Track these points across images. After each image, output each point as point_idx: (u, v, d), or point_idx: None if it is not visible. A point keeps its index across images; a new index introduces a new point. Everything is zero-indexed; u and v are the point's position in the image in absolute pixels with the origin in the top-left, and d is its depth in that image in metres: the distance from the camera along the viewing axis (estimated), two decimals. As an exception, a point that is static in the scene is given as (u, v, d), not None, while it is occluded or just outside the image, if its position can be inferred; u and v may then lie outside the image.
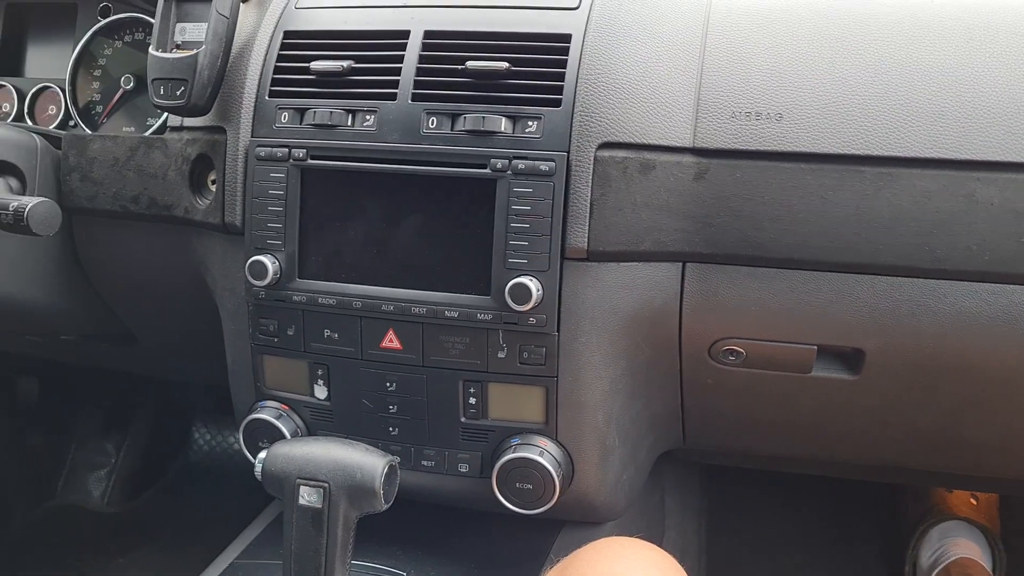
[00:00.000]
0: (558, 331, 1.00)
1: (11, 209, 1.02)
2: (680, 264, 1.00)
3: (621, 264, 0.99)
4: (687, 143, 0.97)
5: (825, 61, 0.97)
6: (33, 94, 1.34)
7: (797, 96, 0.97)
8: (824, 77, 0.97)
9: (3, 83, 1.34)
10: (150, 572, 1.86)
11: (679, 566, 0.90)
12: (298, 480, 0.88)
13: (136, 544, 1.92)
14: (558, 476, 1.02)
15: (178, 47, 1.07)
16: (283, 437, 1.08)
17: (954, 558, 1.57)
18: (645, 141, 0.97)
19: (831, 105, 0.95)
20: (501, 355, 1.01)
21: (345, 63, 1.03)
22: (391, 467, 0.89)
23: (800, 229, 0.96)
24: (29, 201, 1.02)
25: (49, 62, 1.38)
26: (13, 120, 1.34)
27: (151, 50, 1.06)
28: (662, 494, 1.52)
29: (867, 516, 1.82)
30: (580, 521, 1.17)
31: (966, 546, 1.60)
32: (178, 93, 1.05)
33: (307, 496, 0.89)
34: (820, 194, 0.95)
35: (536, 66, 1.00)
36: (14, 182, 1.13)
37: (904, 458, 1.25)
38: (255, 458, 1.09)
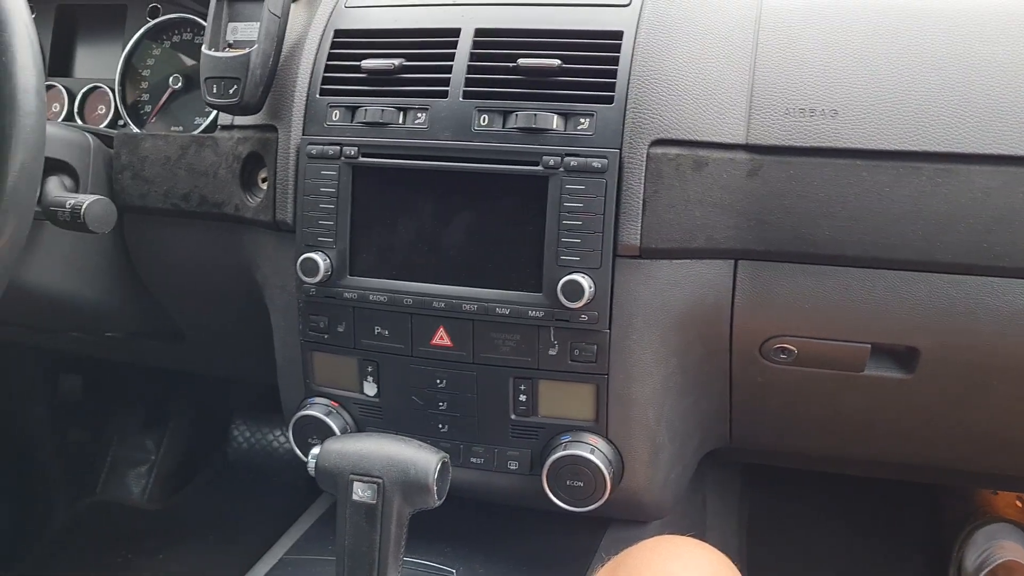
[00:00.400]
0: (610, 328, 1.00)
1: (68, 207, 1.03)
2: (732, 261, 1.00)
3: (673, 261, 0.99)
4: (740, 140, 0.97)
5: (880, 56, 0.97)
6: (83, 94, 1.35)
7: (852, 92, 0.96)
8: (879, 72, 0.96)
9: (53, 83, 1.36)
10: (191, 568, 1.87)
11: (733, 566, 0.90)
12: (352, 476, 0.89)
13: (176, 540, 1.94)
14: (609, 474, 1.02)
15: (230, 46, 1.08)
16: (332, 434, 1.09)
17: (1001, 560, 1.55)
18: (698, 138, 0.97)
19: (887, 101, 0.95)
20: (552, 352, 1.01)
21: (396, 61, 1.04)
22: (444, 463, 0.89)
23: (855, 226, 0.95)
24: (85, 199, 1.03)
25: (98, 62, 1.40)
26: (64, 120, 1.35)
27: (204, 49, 1.07)
28: (703, 494, 1.52)
29: (909, 518, 1.80)
30: (626, 519, 1.17)
31: (1013, 548, 1.58)
32: (231, 92, 1.06)
33: (361, 492, 0.89)
34: (876, 191, 0.94)
35: (588, 63, 0.99)
36: (68, 180, 1.15)
37: (953, 458, 1.23)
38: (305, 454, 1.11)
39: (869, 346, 1.02)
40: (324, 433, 1.09)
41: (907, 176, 0.93)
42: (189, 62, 1.31)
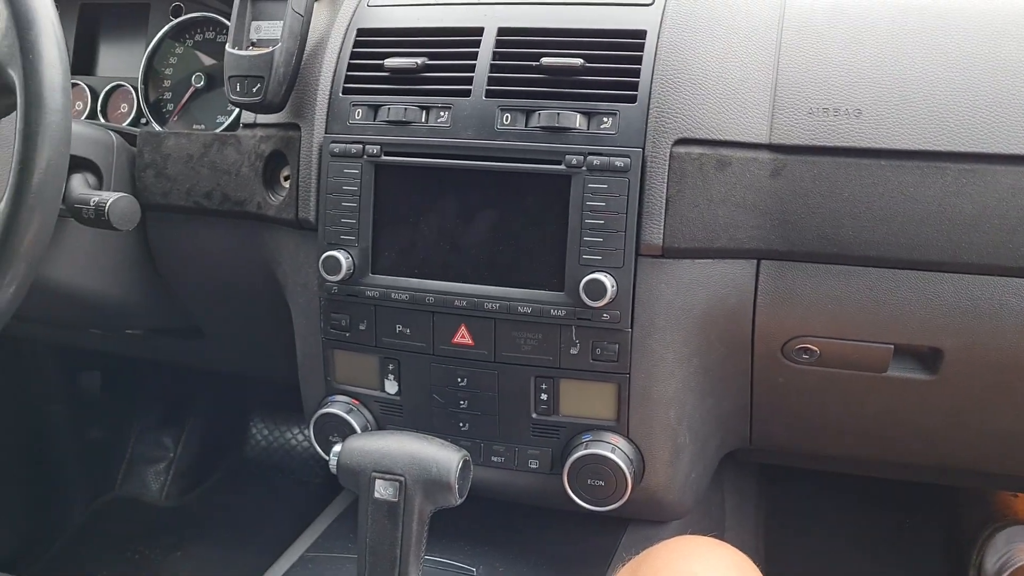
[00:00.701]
0: (632, 328, 0.99)
1: (92, 204, 1.04)
2: (755, 261, 1.00)
3: (696, 261, 0.98)
4: (763, 139, 0.97)
5: (904, 56, 0.96)
6: (106, 92, 1.36)
7: (876, 91, 0.95)
8: (904, 72, 0.95)
9: (77, 82, 1.37)
10: (208, 565, 1.88)
11: (755, 566, 0.89)
12: (374, 473, 0.89)
13: (193, 537, 1.95)
14: (630, 473, 1.02)
15: (253, 45, 1.08)
16: (353, 431, 1.09)
17: (1021, 563, 1.54)
18: (721, 137, 0.96)
19: (912, 100, 0.94)
20: (574, 351, 1.01)
21: (419, 60, 1.04)
22: (465, 462, 0.89)
23: (880, 227, 0.94)
24: (109, 196, 1.04)
25: (121, 61, 1.40)
26: (86, 118, 1.36)
27: (227, 47, 1.07)
28: (722, 494, 1.51)
29: (928, 520, 1.79)
30: (646, 519, 1.17)
31: (1033, 552, 1.57)
32: (254, 90, 1.06)
33: (383, 490, 0.89)
34: (901, 191, 0.94)
35: (611, 62, 0.99)
36: (91, 178, 1.15)
37: (975, 460, 1.23)
38: (326, 452, 1.12)
39: (892, 347, 1.01)
40: (345, 431, 1.10)
41: (932, 176, 0.93)
42: (211, 61, 1.32)
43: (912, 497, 1.77)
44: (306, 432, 2.05)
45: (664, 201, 0.96)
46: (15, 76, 0.90)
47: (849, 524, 1.77)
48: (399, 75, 1.05)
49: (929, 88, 0.94)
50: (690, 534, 0.96)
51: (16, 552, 1.87)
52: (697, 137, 0.96)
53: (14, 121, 0.92)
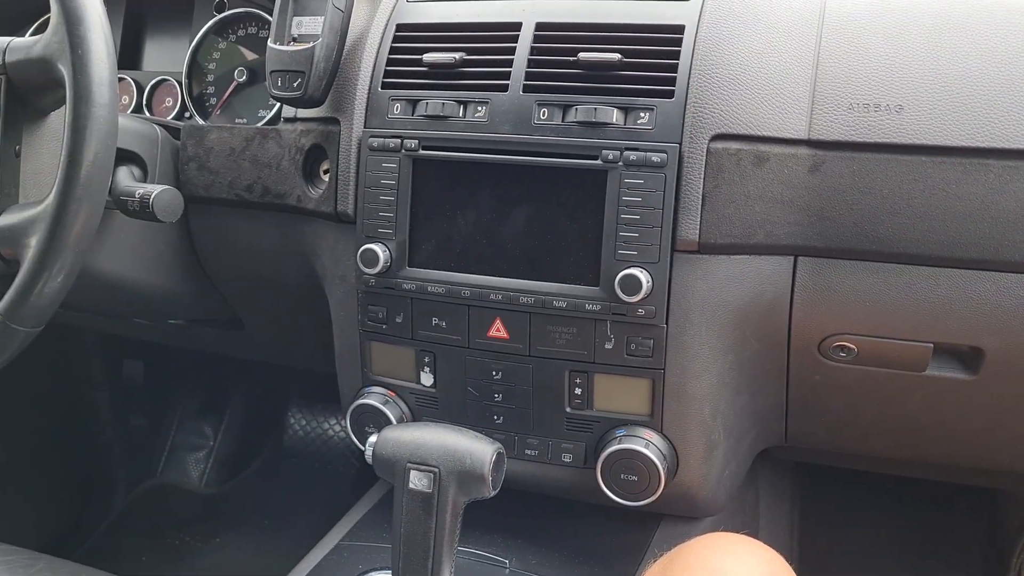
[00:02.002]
0: (667, 323, 0.99)
1: (137, 196, 1.06)
2: (792, 258, 0.99)
3: (732, 257, 0.98)
4: (802, 135, 0.96)
5: (947, 51, 0.95)
6: (151, 87, 1.39)
7: (918, 87, 0.94)
8: (947, 67, 0.94)
9: (123, 76, 1.40)
10: (244, 552, 1.91)
11: (787, 565, 0.89)
12: (408, 464, 0.90)
13: (232, 524, 1.98)
14: (663, 469, 1.02)
15: (295, 40, 1.10)
16: (389, 422, 1.11)
17: (1063, 568, 1.52)
18: (759, 133, 0.96)
19: (954, 96, 0.93)
20: (608, 346, 1.01)
21: (457, 55, 1.05)
22: (499, 454, 0.90)
23: (920, 224, 0.93)
24: (154, 189, 1.06)
25: (165, 56, 1.43)
26: (132, 112, 1.39)
27: (269, 43, 1.09)
28: (756, 492, 1.51)
29: (966, 521, 1.76)
30: (678, 515, 1.17)
31: (1076, 556, 1.54)
32: (295, 85, 1.08)
33: (417, 480, 0.90)
34: (942, 188, 0.92)
35: (649, 57, 0.99)
36: (136, 171, 1.18)
37: (1016, 461, 1.21)
38: (362, 442, 1.13)
39: (932, 345, 1.00)
40: (380, 422, 1.11)
41: (975, 173, 0.91)
42: (253, 56, 1.34)
43: (950, 498, 1.75)
44: (343, 423, 2.08)
45: (700, 196, 0.96)
46: (64, 71, 0.92)
47: (885, 524, 1.75)
48: (437, 70, 1.06)
49: (973, 83, 0.93)
50: (722, 531, 0.95)
51: (61, 535, 1.92)
52: (735, 133, 0.96)
53: (62, 115, 0.95)
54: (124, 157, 1.15)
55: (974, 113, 0.92)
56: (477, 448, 0.89)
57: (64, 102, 0.93)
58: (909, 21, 0.98)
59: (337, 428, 2.12)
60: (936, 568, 1.71)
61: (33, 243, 0.93)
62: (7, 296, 0.93)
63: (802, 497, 1.74)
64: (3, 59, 0.98)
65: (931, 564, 1.70)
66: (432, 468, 0.89)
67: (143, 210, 1.06)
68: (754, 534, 1.40)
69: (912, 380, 1.04)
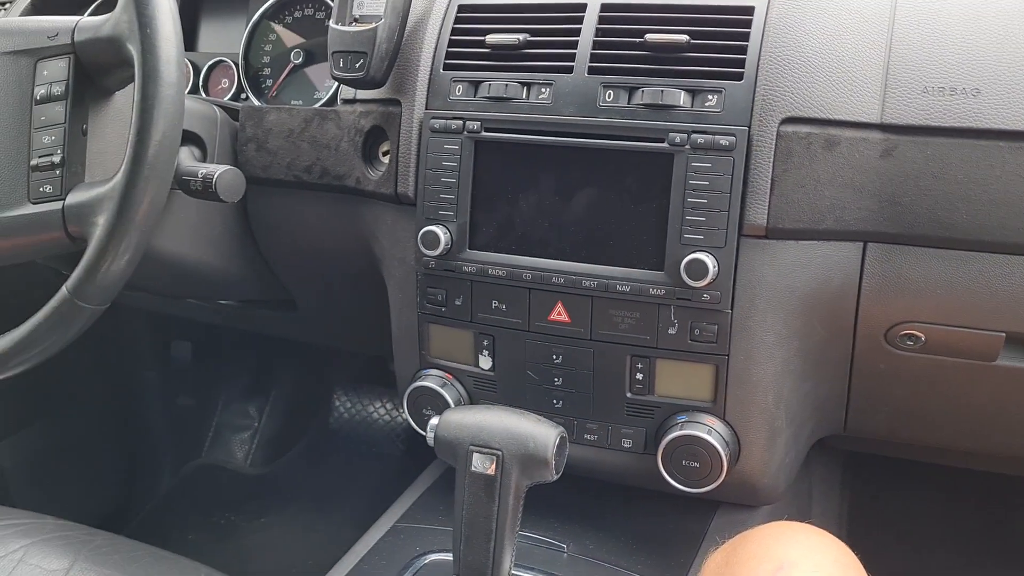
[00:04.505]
0: (732, 308, 0.98)
1: (200, 176, 1.07)
2: (861, 244, 0.97)
3: (800, 242, 0.97)
4: (874, 119, 0.94)
5: None
6: (208, 68, 1.39)
7: (995, 70, 0.92)
8: None
9: (181, 57, 1.40)
10: (290, 533, 1.93)
11: (854, 556, 0.88)
12: (471, 447, 0.89)
13: (278, 505, 2.00)
14: (726, 455, 1.01)
15: (356, 21, 1.09)
16: (447, 405, 1.10)
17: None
18: (830, 116, 0.94)
19: None
20: (672, 331, 1.00)
21: (520, 36, 1.04)
22: (562, 438, 0.89)
23: (995, 211, 0.91)
24: (217, 169, 1.06)
25: (222, 37, 1.43)
26: (189, 93, 1.39)
27: (332, 23, 1.09)
28: (810, 481, 1.49)
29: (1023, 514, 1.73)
30: (736, 503, 1.16)
31: None
32: (357, 66, 1.07)
33: (480, 463, 0.90)
34: (1019, 173, 0.90)
35: (717, 39, 0.98)
36: (196, 151, 1.18)
37: (1082, 455, 1.19)
38: (419, 425, 1.13)
39: (1003, 335, 0.98)
40: (438, 404, 1.11)
41: None
42: (309, 38, 1.33)
43: (1005, 490, 1.71)
44: (388, 406, 2.09)
45: (769, 181, 0.95)
46: (133, 50, 0.92)
47: (939, 517, 1.73)
48: (500, 51, 1.05)
49: None
50: (774, 519, 0.94)
51: (110, 514, 1.94)
52: (805, 116, 0.94)
53: (129, 94, 0.95)
54: (185, 138, 1.15)
55: None
56: (540, 432, 0.88)
57: (131, 81, 0.93)
58: (985, 3, 0.95)
59: (383, 411, 2.13)
60: (993, 564, 1.68)
61: (101, 222, 0.93)
62: (74, 274, 0.94)
63: (852, 487, 1.72)
64: (72, 38, 0.98)
65: (987, 560, 1.67)
66: (495, 451, 0.89)
67: (205, 190, 1.06)
68: (808, 523, 1.39)
69: (981, 370, 1.02)
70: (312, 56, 1.33)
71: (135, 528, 1.95)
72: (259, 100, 1.34)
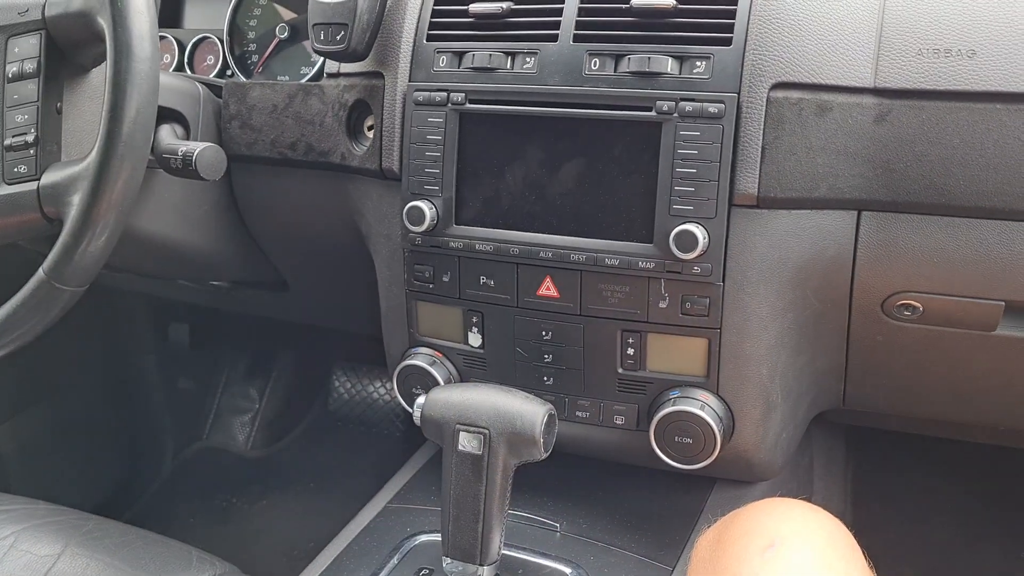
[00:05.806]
0: (723, 281, 0.96)
1: (180, 154, 1.05)
2: (856, 212, 0.95)
3: (792, 212, 0.94)
4: (868, 83, 0.91)
5: None
6: (192, 45, 1.37)
7: (992, 31, 0.89)
8: (1022, 10, 0.89)
9: (164, 34, 1.38)
10: (291, 514, 1.93)
11: (847, 531, 0.86)
12: (458, 426, 0.88)
13: (278, 487, 2.00)
14: (719, 431, 0.99)
15: (337, -8, 1.07)
16: (436, 383, 1.09)
17: None
18: (822, 81, 0.92)
19: None
20: (662, 305, 0.98)
21: (504, 4, 1.01)
22: (550, 416, 0.88)
23: (993, 175, 0.89)
24: (197, 146, 1.04)
25: (206, 14, 1.41)
26: (174, 70, 1.37)
27: (312, -5, 1.06)
28: (811, 456, 1.47)
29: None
30: (733, 479, 1.14)
31: None
32: (338, 38, 1.05)
33: (467, 442, 0.88)
34: (1017, 137, 0.87)
35: (705, 3, 0.95)
36: (179, 129, 1.16)
37: (1085, 426, 1.16)
38: (409, 404, 1.12)
39: (1003, 304, 0.95)
40: (428, 383, 1.09)
41: None
42: (294, 13, 1.31)
43: (1007, 463, 1.69)
44: (387, 386, 2.08)
45: (760, 149, 0.92)
46: (104, 25, 0.90)
47: (941, 489, 1.71)
48: (484, 20, 1.03)
49: None
50: (772, 495, 0.92)
51: (110, 498, 1.94)
52: (796, 81, 0.92)
53: (104, 72, 0.93)
54: (166, 115, 1.14)
55: None
56: (528, 409, 0.87)
57: (105, 58, 0.91)
58: None
59: (382, 391, 2.12)
60: (994, 534, 1.67)
61: (76, 201, 0.92)
62: (51, 255, 0.92)
63: (855, 461, 1.70)
64: (43, 13, 0.96)
65: (989, 531, 1.66)
66: (482, 429, 0.87)
67: (186, 168, 1.04)
68: (808, 499, 1.37)
69: (981, 340, 1.00)
70: (298, 32, 1.30)
71: (137, 511, 1.95)
72: (245, 77, 1.32)
